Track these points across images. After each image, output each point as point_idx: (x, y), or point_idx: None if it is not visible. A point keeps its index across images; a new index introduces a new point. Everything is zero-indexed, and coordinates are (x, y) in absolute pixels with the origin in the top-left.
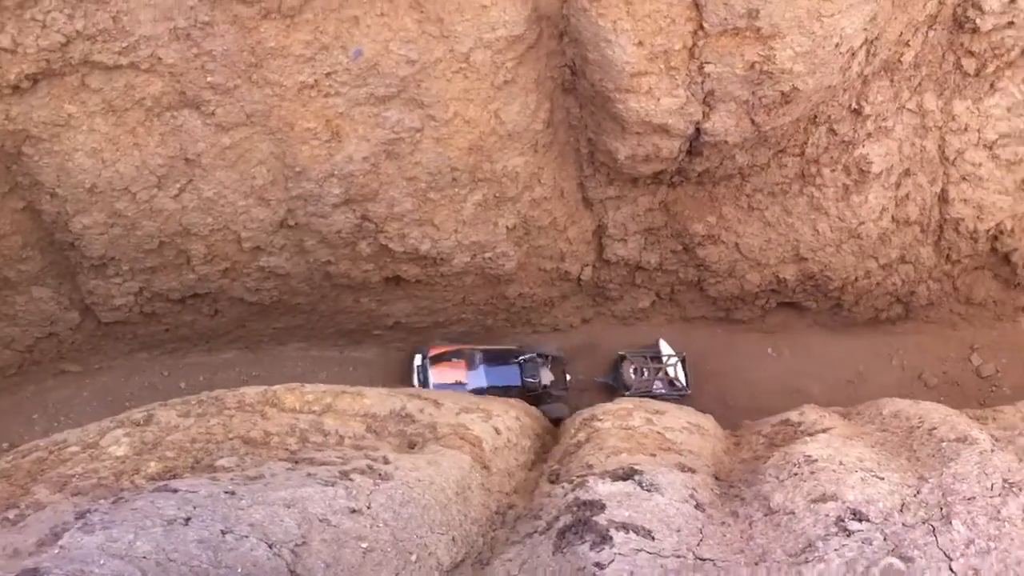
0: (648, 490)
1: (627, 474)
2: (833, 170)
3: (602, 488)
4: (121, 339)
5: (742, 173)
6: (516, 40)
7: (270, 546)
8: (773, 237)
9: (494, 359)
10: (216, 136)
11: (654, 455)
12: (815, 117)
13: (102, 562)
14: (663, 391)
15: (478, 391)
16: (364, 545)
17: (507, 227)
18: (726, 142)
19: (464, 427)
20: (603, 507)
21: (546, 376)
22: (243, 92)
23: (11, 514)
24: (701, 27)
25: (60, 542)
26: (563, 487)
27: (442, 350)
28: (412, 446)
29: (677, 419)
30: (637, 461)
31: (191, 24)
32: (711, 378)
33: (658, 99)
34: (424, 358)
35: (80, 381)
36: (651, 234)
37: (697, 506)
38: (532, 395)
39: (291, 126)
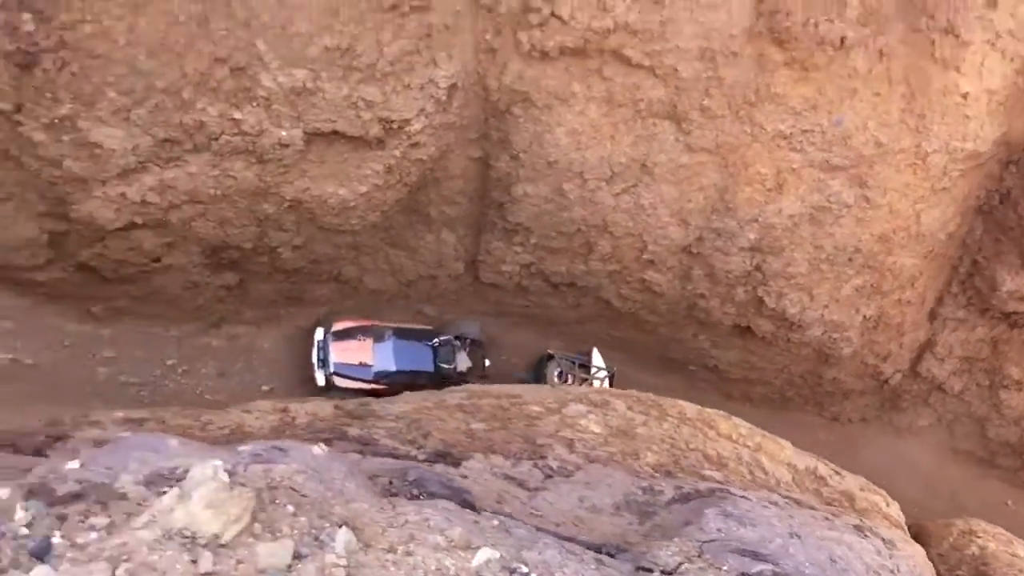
0: None
1: None
2: None
3: None
4: (485, 300)
5: None
6: (975, 156)
7: None
8: None
9: (405, 338)
10: (680, 153)
11: None
12: None
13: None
14: None
15: (384, 375)
16: None
17: (864, 316)
18: None
19: (877, 505)
20: None
21: (463, 362)
22: (725, 123)
23: (553, 464)
24: None
25: (722, 534)
26: None
27: (348, 324)
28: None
29: None
30: None
31: (722, 50)
32: None
33: None
34: (326, 333)
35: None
36: (967, 362)
37: None
38: (445, 382)
39: (746, 166)
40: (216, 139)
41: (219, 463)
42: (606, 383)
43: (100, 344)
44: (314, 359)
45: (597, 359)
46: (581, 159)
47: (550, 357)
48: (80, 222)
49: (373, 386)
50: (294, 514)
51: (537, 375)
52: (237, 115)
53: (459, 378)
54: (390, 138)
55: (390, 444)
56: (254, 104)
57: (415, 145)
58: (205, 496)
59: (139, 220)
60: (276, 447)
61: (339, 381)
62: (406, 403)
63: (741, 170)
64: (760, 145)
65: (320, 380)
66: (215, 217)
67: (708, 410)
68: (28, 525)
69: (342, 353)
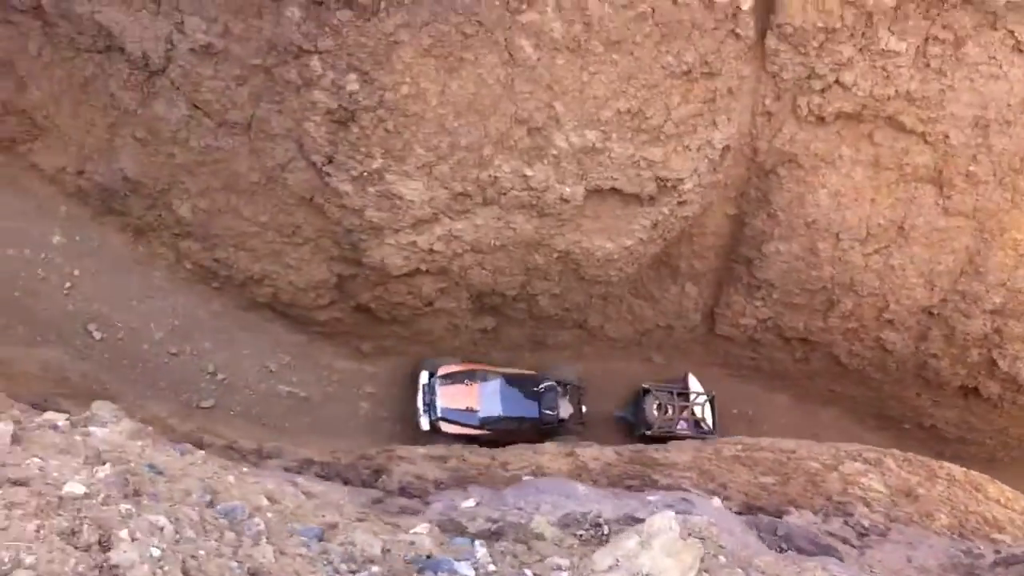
0: None
1: None
2: None
3: None
4: (714, 352)
5: None
6: None
7: None
8: None
9: (511, 384)
10: (937, 217)
11: None
12: None
13: None
14: (687, 431)
15: (490, 421)
16: None
17: None
18: None
19: None
20: None
21: (565, 409)
22: (987, 189)
23: (863, 523)
24: None
25: None
26: None
27: (454, 369)
28: None
29: None
30: None
31: (997, 118)
32: None
33: None
34: (431, 376)
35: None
36: None
37: None
38: (544, 429)
39: (1002, 231)
40: (505, 194)
41: (672, 514)
42: (707, 408)
43: (364, 380)
44: (419, 404)
45: (694, 384)
46: (840, 219)
47: (646, 392)
48: (369, 267)
49: (479, 432)
50: (725, 565)
51: (636, 411)
52: (528, 172)
53: (560, 424)
54: (662, 195)
55: (682, 488)
56: (544, 162)
57: (683, 203)
58: (665, 544)
59: (424, 267)
60: (683, 498)
61: (444, 426)
62: (683, 452)
63: (997, 235)
64: (1020, 211)
65: (425, 425)
66: (490, 266)
67: (973, 472)
68: (493, 562)
69: (449, 398)
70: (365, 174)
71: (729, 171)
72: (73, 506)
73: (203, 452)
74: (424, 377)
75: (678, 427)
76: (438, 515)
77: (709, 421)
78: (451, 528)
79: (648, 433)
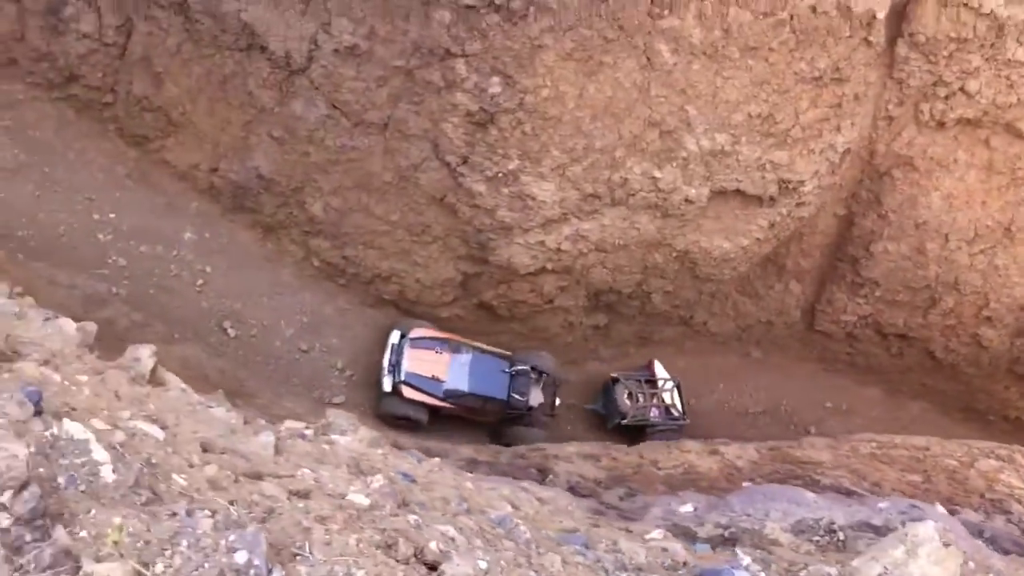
0: None
1: None
2: None
3: None
4: (811, 346)
5: None
6: None
7: None
8: None
9: (483, 362)
10: None
11: None
12: None
13: None
14: (659, 420)
15: (454, 395)
16: None
17: None
18: None
19: None
20: None
21: (535, 396)
22: None
23: None
24: None
25: None
26: None
27: (427, 333)
28: None
29: None
30: None
31: None
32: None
33: None
34: (402, 336)
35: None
36: None
37: None
38: (511, 414)
39: None
40: (633, 195)
41: (934, 523)
42: (675, 394)
43: None
44: (385, 363)
45: (660, 371)
46: (950, 221)
47: (615, 381)
48: (496, 266)
49: (440, 404)
50: (976, 571)
51: (606, 402)
52: (657, 174)
53: (528, 413)
54: (782, 197)
55: (846, 488)
56: (673, 164)
57: (801, 204)
58: (931, 553)
59: (549, 266)
60: (912, 505)
61: (406, 391)
62: (820, 450)
63: None
64: None
65: (387, 386)
66: (611, 264)
67: None
68: (762, 570)
69: (416, 362)
70: (500, 175)
71: (845, 173)
72: (368, 517)
73: (437, 459)
74: (395, 336)
75: (651, 415)
76: (660, 520)
77: (679, 406)
78: (680, 534)
79: (624, 423)
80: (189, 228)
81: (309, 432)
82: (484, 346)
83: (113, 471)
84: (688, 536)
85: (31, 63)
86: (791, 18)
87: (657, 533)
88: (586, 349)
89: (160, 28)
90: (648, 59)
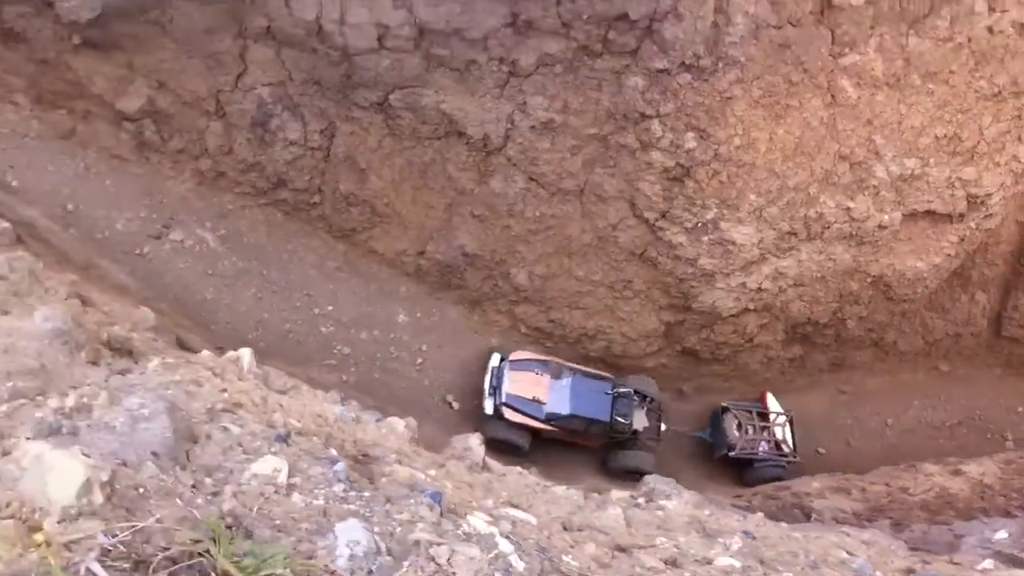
0: None
1: None
2: None
3: None
4: (998, 353)
5: None
6: None
7: None
8: None
9: (584, 384)
10: None
11: None
12: None
13: None
14: (767, 455)
15: (556, 417)
16: None
17: None
18: None
19: None
20: None
21: (639, 420)
22: None
23: None
24: None
25: None
26: None
27: (526, 356)
28: None
29: None
30: None
31: None
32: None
33: None
34: (502, 360)
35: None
36: None
37: None
38: (615, 438)
39: None
40: (828, 227)
41: None
42: (787, 428)
43: (683, 420)
44: (486, 386)
45: (773, 404)
46: None
47: (725, 410)
48: (698, 312)
49: (542, 426)
50: None
51: (714, 431)
52: (850, 204)
53: (633, 436)
54: (971, 211)
55: None
56: (865, 193)
57: (988, 216)
58: None
59: (751, 306)
60: None
61: (508, 413)
62: None
63: None
64: None
65: (488, 408)
66: (808, 297)
67: None
68: None
69: (517, 384)
70: (700, 224)
71: None
72: None
73: (760, 514)
74: (495, 359)
75: (760, 448)
76: (980, 549)
77: (790, 442)
78: (1007, 561)
79: (731, 455)
80: (401, 311)
81: (640, 500)
82: (585, 368)
83: (520, 559)
84: (1016, 563)
85: (239, 174)
86: (968, 40)
87: (988, 563)
88: (783, 381)
89: (361, 128)
90: (832, 96)
